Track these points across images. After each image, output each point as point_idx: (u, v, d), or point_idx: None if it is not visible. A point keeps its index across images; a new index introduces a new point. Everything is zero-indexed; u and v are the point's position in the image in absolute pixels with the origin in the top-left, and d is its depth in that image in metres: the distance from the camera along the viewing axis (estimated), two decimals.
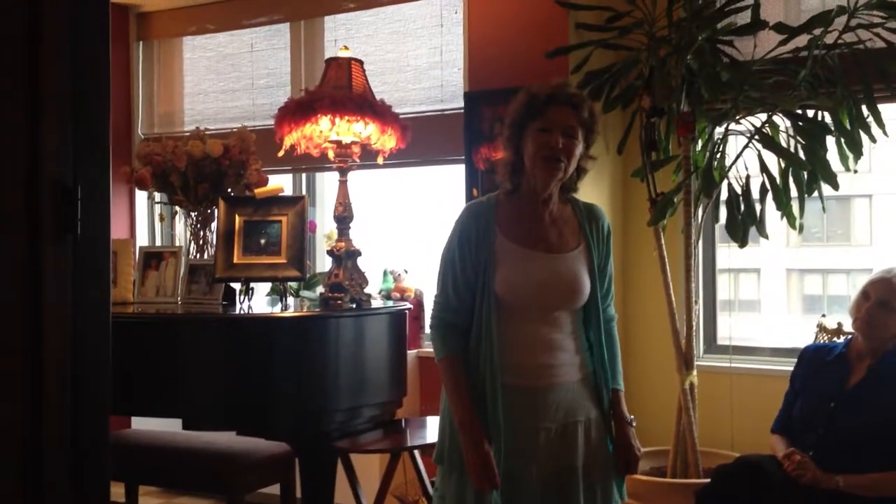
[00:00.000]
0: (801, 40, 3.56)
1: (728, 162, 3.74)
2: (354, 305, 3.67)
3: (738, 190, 3.70)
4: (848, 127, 3.52)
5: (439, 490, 2.56)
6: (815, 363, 3.29)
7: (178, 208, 4.30)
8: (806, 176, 3.60)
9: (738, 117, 3.68)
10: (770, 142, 3.63)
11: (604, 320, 2.59)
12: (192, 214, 4.15)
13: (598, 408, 2.54)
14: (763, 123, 3.65)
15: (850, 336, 3.34)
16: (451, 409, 2.50)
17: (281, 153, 3.78)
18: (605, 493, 2.51)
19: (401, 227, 5.24)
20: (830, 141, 3.56)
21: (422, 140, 4.24)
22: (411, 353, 4.45)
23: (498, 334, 2.45)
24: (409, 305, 4.08)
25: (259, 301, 4.04)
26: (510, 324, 2.47)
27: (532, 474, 2.44)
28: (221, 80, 5.49)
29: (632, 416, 2.58)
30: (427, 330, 4.71)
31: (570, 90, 2.52)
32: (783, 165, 3.65)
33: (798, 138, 3.60)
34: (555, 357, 2.48)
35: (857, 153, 3.54)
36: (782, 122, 3.68)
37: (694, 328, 3.81)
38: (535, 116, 2.47)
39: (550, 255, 2.51)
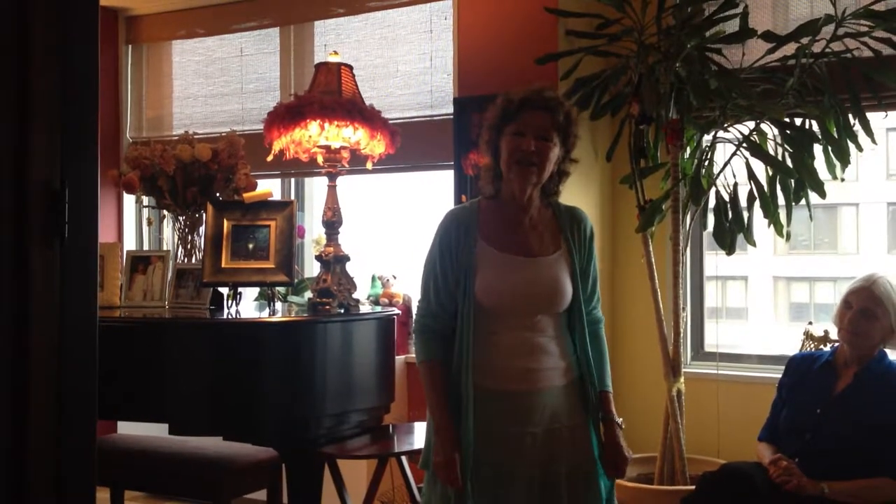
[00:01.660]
0: (789, 49, 3.58)
1: (716, 169, 3.75)
2: (342, 311, 3.66)
3: (726, 197, 3.71)
4: (835, 135, 3.54)
5: (426, 495, 2.57)
6: (802, 371, 3.29)
7: (166, 212, 4.29)
8: (793, 184, 3.62)
9: (726, 125, 3.69)
10: (758, 150, 3.64)
11: (589, 323, 2.60)
12: (181, 218, 4.13)
13: (584, 412, 2.54)
14: (751, 131, 3.66)
15: (836, 344, 3.36)
16: (429, 413, 2.51)
17: (270, 158, 3.78)
18: (591, 498, 2.51)
19: (389, 233, 5.24)
20: (818, 149, 3.58)
21: (411, 146, 4.25)
22: (399, 358, 4.45)
23: (477, 339, 2.47)
24: (397, 311, 4.08)
25: (247, 306, 4.03)
26: (493, 329, 2.48)
27: (517, 478, 2.44)
28: (210, 85, 5.48)
29: (620, 419, 2.58)
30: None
31: (546, 94, 2.52)
32: (771, 173, 3.66)
33: (785, 146, 3.62)
34: (539, 361, 2.48)
35: (845, 161, 3.56)
36: (770, 130, 3.70)
37: (681, 335, 3.82)
38: (510, 121, 2.49)
39: (530, 260, 2.52)
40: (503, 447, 2.44)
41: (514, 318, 2.49)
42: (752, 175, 3.67)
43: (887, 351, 3.20)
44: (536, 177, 2.48)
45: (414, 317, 2.61)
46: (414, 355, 4.52)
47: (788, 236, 3.74)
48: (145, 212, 5.44)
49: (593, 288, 2.63)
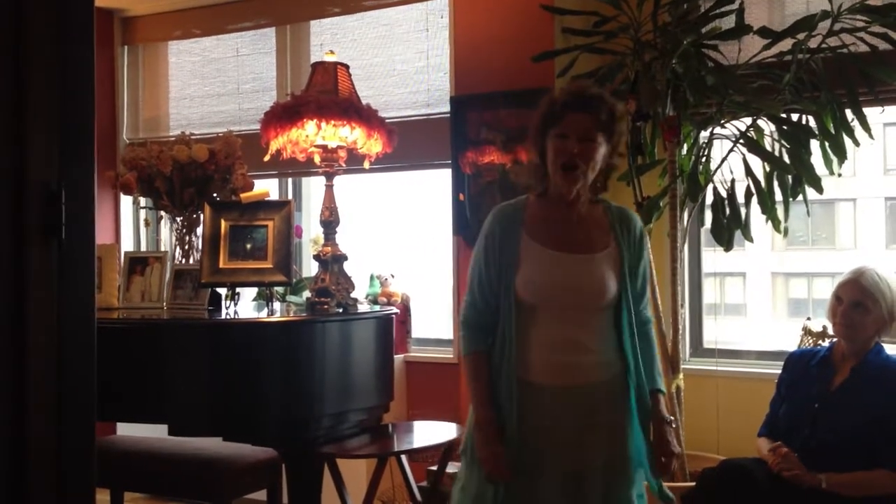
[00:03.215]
0: (786, 45, 3.58)
1: (713, 166, 3.75)
2: (341, 310, 3.66)
3: (724, 194, 3.71)
4: (832, 131, 3.54)
5: (461, 481, 2.61)
6: (800, 367, 3.30)
7: (163, 213, 4.28)
8: (791, 180, 3.62)
9: (723, 121, 3.69)
10: (755, 146, 3.64)
11: (638, 322, 2.60)
12: (178, 219, 4.13)
13: (624, 410, 2.54)
14: (748, 127, 3.66)
15: (833, 339, 3.36)
16: (472, 406, 2.56)
17: (267, 158, 3.78)
18: (623, 496, 2.52)
19: (387, 232, 5.24)
20: (815, 145, 3.58)
21: (408, 144, 4.24)
22: (398, 357, 4.45)
23: (518, 333, 2.50)
24: (395, 310, 4.08)
25: (245, 306, 4.03)
26: (534, 323, 2.50)
27: (551, 471, 2.47)
28: (207, 85, 5.48)
29: (671, 417, 2.60)
30: (413, 335, 4.73)
31: (589, 93, 2.55)
32: (768, 169, 3.66)
33: (783, 142, 3.62)
34: (579, 356, 2.50)
35: (842, 157, 3.56)
36: (767, 126, 3.70)
37: (680, 332, 3.82)
38: (554, 123, 2.51)
39: (574, 256, 2.53)
40: (540, 440, 2.48)
41: (556, 312, 2.51)
42: (749, 171, 3.67)
43: (884, 345, 3.21)
44: (582, 178, 2.50)
45: (461, 310, 2.65)
46: (413, 354, 4.63)
47: (786, 232, 3.74)
48: (142, 213, 5.44)
49: (643, 288, 2.63)
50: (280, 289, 4.14)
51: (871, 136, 3.54)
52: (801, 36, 3.53)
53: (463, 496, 2.57)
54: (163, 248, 5.22)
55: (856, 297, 3.15)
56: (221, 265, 3.78)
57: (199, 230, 4.03)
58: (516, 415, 2.46)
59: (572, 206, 2.55)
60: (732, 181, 3.73)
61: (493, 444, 2.46)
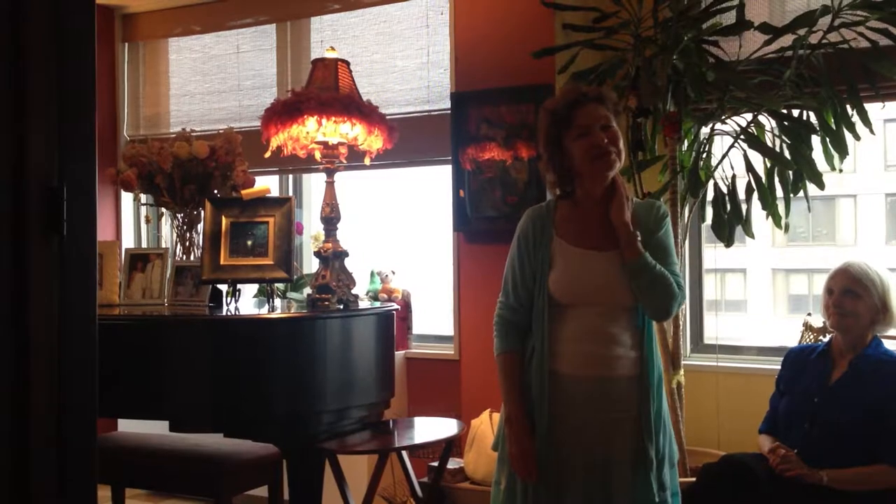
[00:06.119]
0: (786, 40, 3.58)
1: (714, 162, 3.75)
2: (342, 306, 3.66)
3: (724, 190, 3.71)
4: (833, 126, 3.54)
5: (496, 475, 2.68)
6: (799, 363, 3.31)
7: (164, 210, 4.28)
8: (791, 175, 3.62)
9: (723, 117, 3.69)
10: (756, 141, 3.64)
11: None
12: (179, 216, 4.13)
13: (650, 406, 2.56)
14: (748, 123, 3.66)
15: (831, 335, 3.37)
16: (503, 403, 2.62)
17: (267, 154, 3.77)
18: (651, 494, 2.53)
19: (388, 228, 5.24)
20: (815, 141, 3.58)
21: (409, 141, 4.25)
22: (399, 353, 4.45)
23: (551, 328, 2.56)
24: (396, 306, 4.08)
25: (246, 303, 4.03)
26: (566, 318, 2.57)
27: (578, 466, 2.52)
28: (207, 82, 5.48)
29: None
30: (414, 331, 4.74)
31: (586, 88, 2.65)
32: (769, 165, 3.66)
33: (783, 138, 3.61)
34: (609, 348, 2.55)
35: (843, 153, 3.56)
36: (768, 121, 3.69)
37: (681, 328, 3.82)
38: (566, 125, 2.57)
39: (599, 253, 2.58)
40: (567, 432, 2.53)
41: (586, 308, 2.57)
42: (750, 167, 3.67)
43: (883, 340, 3.21)
44: (618, 162, 2.58)
45: (495, 310, 2.70)
46: (414, 351, 4.63)
47: (787, 228, 3.74)
48: (143, 210, 5.45)
49: (664, 261, 2.60)
50: (281, 285, 4.14)
51: (871, 131, 3.54)
52: (801, 31, 3.52)
53: (497, 490, 2.65)
54: (164, 245, 5.23)
55: (846, 285, 3.18)
56: (222, 262, 3.78)
57: (200, 227, 4.03)
58: (547, 406, 2.53)
59: (600, 204, 2.61)
60: (733, 177, 3.73)
61: (522, 442, 2.54)
